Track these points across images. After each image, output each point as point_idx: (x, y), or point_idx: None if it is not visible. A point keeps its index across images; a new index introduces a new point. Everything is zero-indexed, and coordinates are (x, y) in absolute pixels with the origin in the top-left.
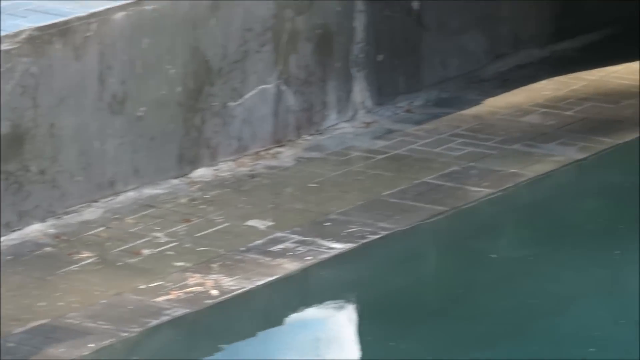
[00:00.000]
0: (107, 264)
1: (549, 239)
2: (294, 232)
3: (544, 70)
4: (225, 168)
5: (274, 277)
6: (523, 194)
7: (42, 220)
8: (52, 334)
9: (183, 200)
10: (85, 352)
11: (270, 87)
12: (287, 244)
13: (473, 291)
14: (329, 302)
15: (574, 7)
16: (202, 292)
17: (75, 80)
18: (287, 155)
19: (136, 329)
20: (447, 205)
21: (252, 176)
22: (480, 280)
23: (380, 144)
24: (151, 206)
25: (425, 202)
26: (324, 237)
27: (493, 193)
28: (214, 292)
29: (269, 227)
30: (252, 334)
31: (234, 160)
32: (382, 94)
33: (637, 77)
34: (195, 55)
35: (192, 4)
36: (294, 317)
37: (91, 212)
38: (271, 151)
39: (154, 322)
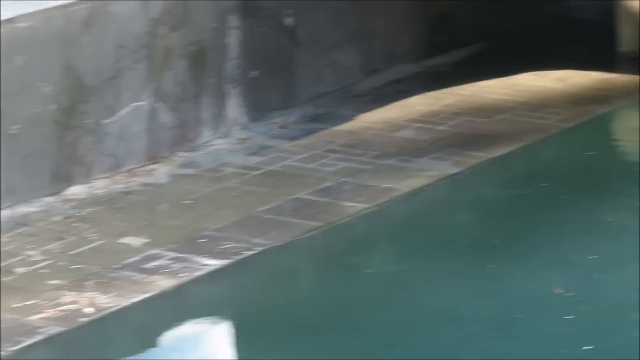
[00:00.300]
0: None
1: (423, 253)
2: (169, 249)
3: (417, 86)
4: (100, 185)
5: (148, 294)
6: (397, 209)
7: None
8: None
9: (57, 218)
10: None
11: (144, 104)
12: (162, 261)
13: (349, 306)
14: (204, 318)
15: (447, 22)
16: (76, 310)
17: None
18: (161, 172)
19: (10, 348)
20: (322, 221)
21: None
22: (356, 295)
23: (254, 160)
24: (25, 224)
25: (300, 217)
26: (199, 254)
27: (367, 208)
28: (89, 310)
29: (143, 244)
30: (126, 351)
31: (108, 178)
32: (257, 110)
33: (510, 91)
34: (68, 72)
35: (66, 22)
36: (168, 334)
37: None
38: (146, 168)
39: (28, 341)
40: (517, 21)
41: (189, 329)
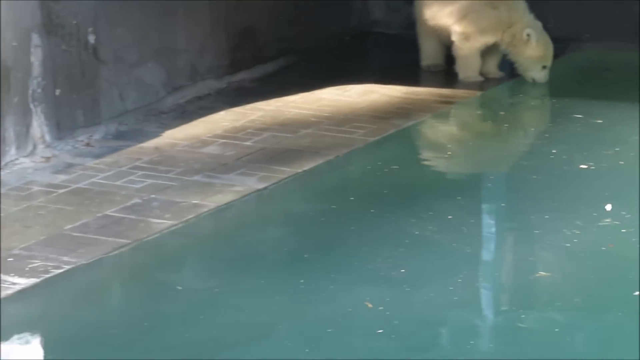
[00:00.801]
0: None
1: (234, 269)
2: None
3: (221, 102)
4: None
5: None
6: (206, 225)
7: None
8: None
9: None
10: None
11: None
12: None
13: (159, 323)
14: (14, 337)
15: (250, 38)
16: None
17: None
18: None
19: None
20: (130, 238)
21: None
22: (166, 312)
23: (61, 178)
24: None
25: (108, 235)
26: (6, 273)
27: (175, 225)
28: None
29: None
30: None
31: None
32: (61, 128)
33: (314, 106)
34: None
35: None
36: None
37: None
38: None
39: None
40: (320, 36)
41: None
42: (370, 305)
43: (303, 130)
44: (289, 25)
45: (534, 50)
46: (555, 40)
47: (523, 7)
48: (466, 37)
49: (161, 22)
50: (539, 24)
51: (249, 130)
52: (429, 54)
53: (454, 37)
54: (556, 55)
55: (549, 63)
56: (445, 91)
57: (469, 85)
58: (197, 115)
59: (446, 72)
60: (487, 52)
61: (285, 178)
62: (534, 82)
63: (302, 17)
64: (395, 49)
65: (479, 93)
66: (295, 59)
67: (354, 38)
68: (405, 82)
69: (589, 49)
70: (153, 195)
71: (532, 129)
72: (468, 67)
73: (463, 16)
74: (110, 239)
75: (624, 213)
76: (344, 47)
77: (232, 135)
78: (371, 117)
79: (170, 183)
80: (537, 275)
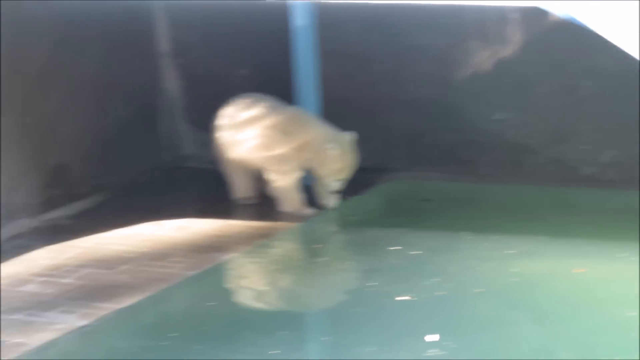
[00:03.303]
0: None
1: None
2: None
3: (37, 240)
4: None
5: None
6: None
7: None
8: None
9: None
10: None
11: None
12: None
13: None
14: None
15: (62, 175)
16: None
17: None
18: None
19: None
20: None
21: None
22: None
23: None
24: None
25: None
26: None
27: None
28: None
29: None
30: None
31: None
32: None
33: (131, 241)
34: None
35: None
36: None
37: None
38: None
39: None
40: (133, 172)
41: None
42: None
43: (121, 266)
44: (100, 161)
45: (333, 163)
46: (366, 171)
47: (314, 122)
48: (277, 170)
49: None
50: (343, 136)
51: (67, 268)
52: (239, 189)
53: (268, 175)
54: (369, 186)
55: (347, 176)
56: (261, 223)
57: (285, 217)
58: (13, 254)
59: (260, 204)
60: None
61: (107, 314)
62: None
63: (113, 153)
64: (207, 183)
65: (295, 225)
66: (109, 195)
67: (166, 173)
68: (220, 215)
69: (400, 179)
70: None
71: (350, 262)
72: (291, 201)
73: (267, 149)
74: None
75: (447, 343)
76: (157, 182)
77: (51, 273)
78: (189, 251)
79: None
80: None
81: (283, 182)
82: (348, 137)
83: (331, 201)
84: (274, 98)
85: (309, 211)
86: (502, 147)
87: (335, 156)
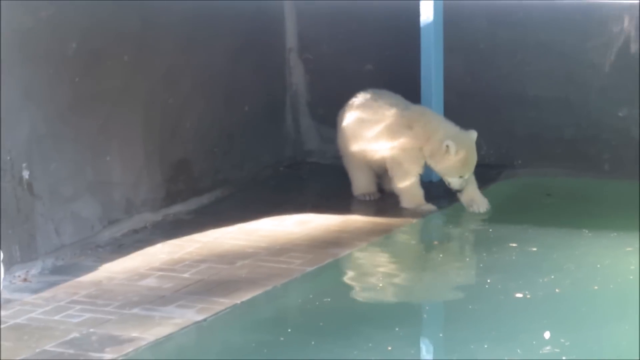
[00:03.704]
0: None
1: None
2: None
3: (158, 234)
4: None
5: None
6: (145, 358)
7: None
8: None
9: None
10: None
11: None
12: None
13: None
14: None
15: (185, 170)
16: None
17: None
18: None
19: None
20: None
21: None
22: None
23: None
24: None
25: None
26: None
27: (114, 358)
28: None
29: None
30: None
31: None
32: None
33: (251, 237)
34: None
35: None
36: None
37: None
38: None
39: None
40: (255, 167)
41: None
42: None
43: (240, 261)
44: (224, 156)
45: (452, 161)
46: (488, 167)
47: (437, 119)
48: (399, 163)
49: (96, 155)
50: (465, 134)
51: (186, 262)
52: (360, 184)
53: (390, 171)
54: (491, 181)
55: (466, 174)
56: (380, 220)
57: (405, 214)
58: (133, 249)
59: (380, 200)
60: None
61: (224, 309)
62: (449, 186)
63: (236, 148)
64: (329, 178)
65: (414, 221)
66: (231, 190)
67: (289, 168)
68: (340, 211)
69: (522, 176)
70: (92, 329)
71: (467, 259)
72: (413, 198)
73: (390, 144)
74: None
75: (563, 340)
76: (279, 177)
77: (170, 268)
78: (308, 247)
79: (109, 317)
80: None
81: (405, 178)
82: (470, 136)
83: (479, 206)
84: (397, 94)
85: (430, 207)
86: (626, 144)
87: (454, 154)
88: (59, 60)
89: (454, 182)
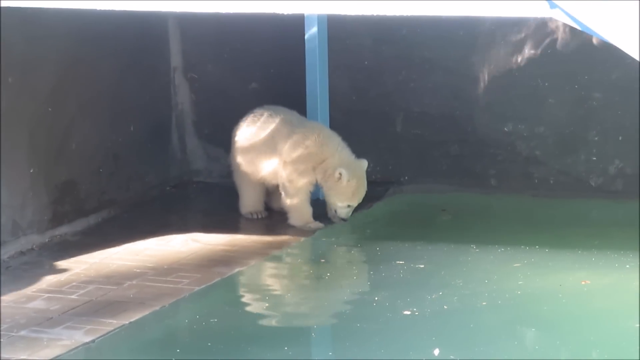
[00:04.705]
0: None
1: None
2: None
3: (45, 256)
4: None
5: None
6: None
7: None
8: None
9: None
10: None
11: None
12: None
13: None
14: None
15: (71, 191)
16: None
17: None
18: None
19: None
20: None
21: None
22: None
23: None
24: None
25: None
26: None
27: None
28: None
29: None
30: None
31: None
32: None
33: (138, 257)
34: None
35: None
36: None
37: None
38: None
39: None
40: (141, 187)
41: None
42: None
43: (128, 281)
44: (110, 177)
45: (343, 189)
46: (375, 183)
47: (337, 142)
48: (290, 180)
49: None
50: (358, 163)
51: (73, 284)
52: (248, 202)
53: (280, 188)
54: (378, 198)
55: (355, 203)
56: (268, 238)
57: (294, 232)
58: (20, 271)
59: (267, 218)
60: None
61: (112, 330)
62: (335, 216)
63: (122, 168)
64: (216, 197)
65: (302, 239)
66: (117, 210)
67: (175, 187)
68: (228, 229)
69: (409, 192)
70: None
71: (354, 277)
72: (301, 216)
73: (283, 161)
74: None
75: (453, 357)
76: (166, 197)
77: (57, 289)
78: (195, 266)
79: None
80: None
81: (295, 195)
82: (361, 165)
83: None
84: (293, 111)
85: (317, 225)
86: (512, 159)
87: (346, 182)
88: None
89: (340, 209)
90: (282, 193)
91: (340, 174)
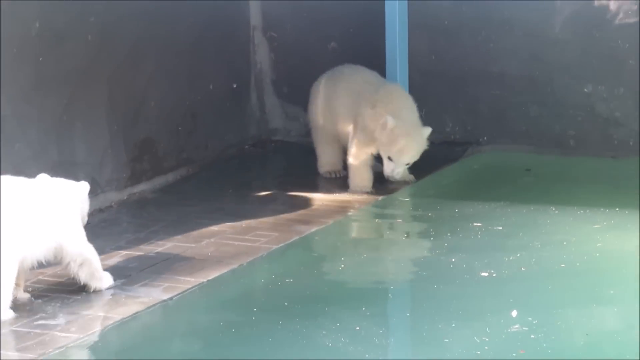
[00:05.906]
0: None
1: None
2: None
3: (123, 213)
4: None
5: None
6: (112, 338)
7: None
8: None
9: None
10: None
11: None
12: None
13: None
14: None
15: (149, 149)
16: None
17: None
18: None
19: None
20: (35, 353)
21: None
22: None
23: None
24: None
25: (14, 350)
26: None
27: (81, 338)
28: None
29: None
30: None
31: None
32: None
33: (216, 215)
34: None
35: None
36: None
37: None
38: None
39: None
40: (220, 146)
41: None
42: None
43: (206, 239)
44: (188, 135)
45: (389, 138)
46: (453, 144)
47: (402, 104)
48: (355, 144)
49: (59, 136)
50: (417, 124)
51: (151, 241)
52: (326, 161)
53: (348, 147)
54: (456, 158)
55: (401, 160)
56: (345, 197)
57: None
58: (98, 228)
59: (345, 177)
60: None
61: (190, 288)
62: (385, 172)
63: (201, 127)
64: (294, 156)
65: (379, 198)
66: (195, 169)
67: (253, 146)
68: (305, 189)
69: (487, 153)
70: (58, 306)
71: (431, 238)
72: (360, 178)
73: (353, 120)
74: (15, 353)
75: (530, 319)
76: (244, 155)
77: (135, 247)
78: (273, 225)
79: (75, 297)
80: None
81: (357, 157)
82: (420, 128)
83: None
84: (373, 71)
85: (372, 191)
86: (591, 120)
87: (389, 131)
88: (21, 40)
89: (387, 166)
90: (347, 152)
91: (385, 120)
